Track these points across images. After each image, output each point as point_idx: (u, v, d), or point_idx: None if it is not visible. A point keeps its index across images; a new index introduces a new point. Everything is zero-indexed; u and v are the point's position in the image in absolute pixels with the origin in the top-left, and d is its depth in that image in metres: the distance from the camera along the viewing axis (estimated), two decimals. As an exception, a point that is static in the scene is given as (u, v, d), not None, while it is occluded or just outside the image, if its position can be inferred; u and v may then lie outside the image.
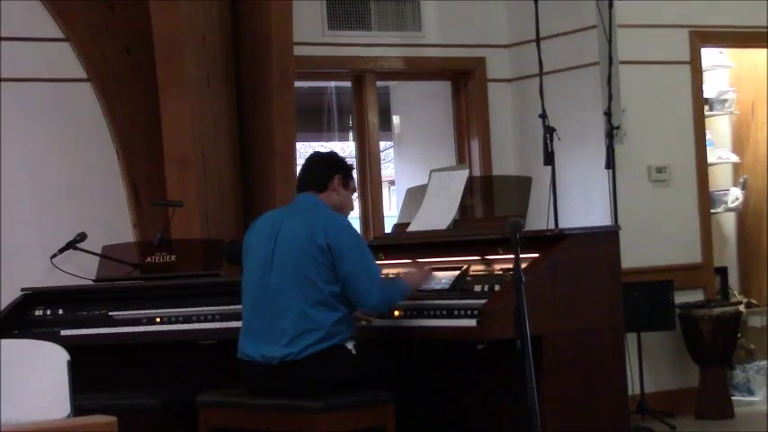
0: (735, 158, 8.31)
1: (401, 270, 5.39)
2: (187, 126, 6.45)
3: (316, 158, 5.12)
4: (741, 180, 8.32)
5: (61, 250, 5.95)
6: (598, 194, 7.14)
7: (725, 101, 8.21)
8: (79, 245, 5.97)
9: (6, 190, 6.53)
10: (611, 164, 6.72)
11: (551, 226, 6.40)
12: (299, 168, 5.29)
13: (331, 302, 4.73)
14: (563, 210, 6.75)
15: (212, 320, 5.41)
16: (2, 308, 5.60)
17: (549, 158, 6.58)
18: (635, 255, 6.76)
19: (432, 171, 5.70)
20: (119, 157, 6.81)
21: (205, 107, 6.57)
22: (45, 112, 6.72)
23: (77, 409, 3.74)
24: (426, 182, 5.67)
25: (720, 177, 8.33)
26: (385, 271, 5.37)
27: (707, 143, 7.79)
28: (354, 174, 5.18)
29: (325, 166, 5.02)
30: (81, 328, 5.43)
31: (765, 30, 7.78)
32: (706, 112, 7.89)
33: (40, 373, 3.82)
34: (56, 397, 3.73)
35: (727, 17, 7.68)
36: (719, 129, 8.36)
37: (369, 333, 5.09)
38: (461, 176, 5.54)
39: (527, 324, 4.28)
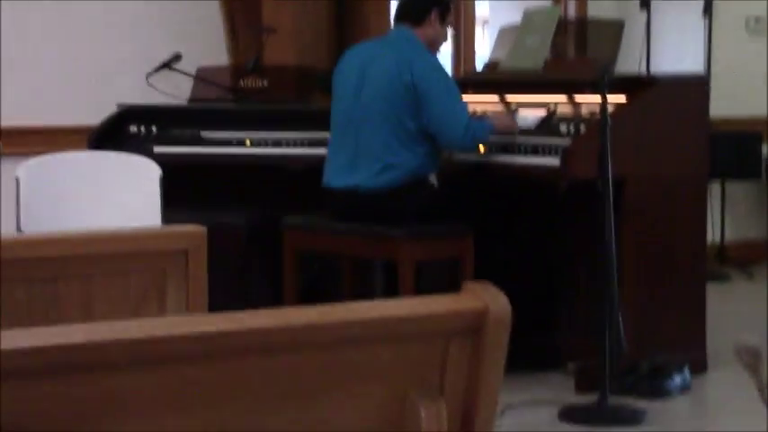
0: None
1: (489, 109, 5.43)
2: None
3: None
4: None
5: (156, 69, 6.02)
6: (693, 42, 7.04)
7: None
8: (174, 65, 6.04)
9: (104, 6, 6.60)
10: (708, 11, 6.62)
11: (643, 71, 6.35)
12: (393, 4, 5.26)
13: (416, 138, 4.80)
14: (656, 56, 6.68)
15: (301, 145, 5.49)
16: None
17: (644, 2, 6.49)
18: (725, 104, 6.70)
19: (525, 10, 5.67)
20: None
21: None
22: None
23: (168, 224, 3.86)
24: (519, 22, 5.65)
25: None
26: (472, 107, 5.42)
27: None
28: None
29: None
30: (173, 145, 5.54)
31: None
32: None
33: (132, 185, 3.93)
34: (148, 210, 3.84)
35: None
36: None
37: (453, 167, 5.15)
38: (553, 16, 5.51)
39: (609, 165, 4.33)
